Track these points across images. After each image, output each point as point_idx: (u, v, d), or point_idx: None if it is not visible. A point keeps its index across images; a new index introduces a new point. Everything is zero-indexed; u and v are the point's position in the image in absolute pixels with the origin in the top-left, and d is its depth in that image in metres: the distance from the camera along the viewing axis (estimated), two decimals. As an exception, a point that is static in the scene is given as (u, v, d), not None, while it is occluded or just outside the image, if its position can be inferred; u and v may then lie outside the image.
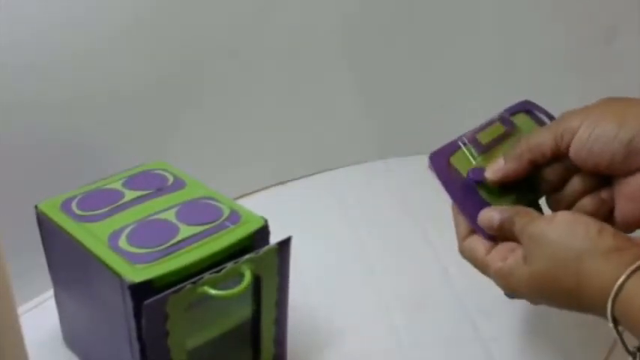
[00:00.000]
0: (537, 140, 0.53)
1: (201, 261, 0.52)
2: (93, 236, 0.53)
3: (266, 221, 0.55)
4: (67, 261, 0.57)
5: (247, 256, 0.52)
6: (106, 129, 0.70)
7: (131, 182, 0.60)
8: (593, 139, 0.50)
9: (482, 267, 0.53)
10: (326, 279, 0.73)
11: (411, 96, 0.91)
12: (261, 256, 0.53)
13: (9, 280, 0.39)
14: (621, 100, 0.52)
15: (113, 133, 0.71)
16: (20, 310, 0.65)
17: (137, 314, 0.49)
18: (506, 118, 0.59)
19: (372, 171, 0.93)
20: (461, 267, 0.55)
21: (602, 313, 0.44)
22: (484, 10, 0.87)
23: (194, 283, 0.49)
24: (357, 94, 0.90)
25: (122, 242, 0.52)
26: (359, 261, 0.76)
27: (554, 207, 0.55)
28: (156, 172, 0.62)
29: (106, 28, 0.67)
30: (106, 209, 0.57)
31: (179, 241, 0.53)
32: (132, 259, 0.51)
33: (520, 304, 0.65)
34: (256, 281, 0.54)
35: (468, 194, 0.55)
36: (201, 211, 0.56)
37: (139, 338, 0.50)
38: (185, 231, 0.54)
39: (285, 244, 0.54)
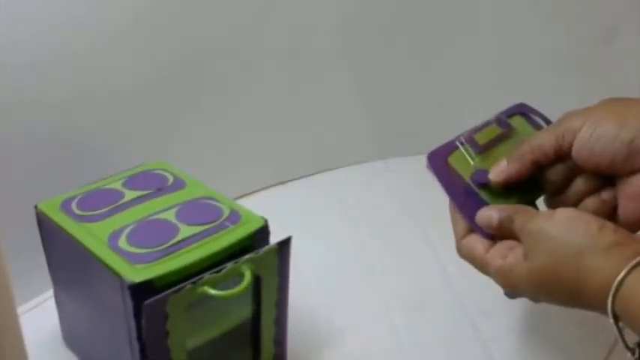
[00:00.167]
0: (539, 141, 0.53)
1: (201, 261, 0.52)
2: (93, 236, 0.53)
3: (266, 221, 0.55)
4: (67, 261, 0.57)
5: (247, 256, 0.52)
6: (106, 129, 0.70)
7: (131, 182, 0.60)
8: (594, 139, 0.50)
9: (482, 266, 0.53)
10: (326, 279, 0.73)
11: (411, 96, 0.91)
12: (261, 256, 0.53)
13: (9, 280, 0.39)
14: (622, 100, 0.52)
15: (113, 133, 0.71)
16: (20, 310, 0.65)
17: (137, 314, 0.49)
18: (503, 120, 0.59)
19: (372, 171, 0.93)
20: (461, 267, 0.55)
21: (602, 309, 0.44)
22: (484, 10, 0.87)
23: (194, 283, 0.49)
24: (357, 94, 0.90)
25: (122, 242, 0.52)
26: (359, 261, 0.76)
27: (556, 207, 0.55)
28: (156, 172, 0.62)
29: (106, 28, 0.67)
30: (106, 209, 0.57)
31: (179, 241, 0.53)
32: (132, 259, 0.51)
33: (520, 304, 0.65)
34: (256, 281, 0.54)
35: (467, 194, 0.55)
36: (201, 211, 0.56)
37: (139, 338, 0.50)
38: (185, 231, 0.54)
39: (285, 244, 0.54)
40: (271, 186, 0.88)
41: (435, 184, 0.56)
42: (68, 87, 0.66)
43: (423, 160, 0.57)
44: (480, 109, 0.60)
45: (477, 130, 0.58)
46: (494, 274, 0.51)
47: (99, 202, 0.57)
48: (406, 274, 0.74)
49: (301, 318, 0.65)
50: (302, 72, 0.84)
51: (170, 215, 0.56)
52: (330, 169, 0.92)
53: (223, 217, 0.56)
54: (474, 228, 0.54)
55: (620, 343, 0.45)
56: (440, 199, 0.56)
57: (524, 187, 0.55)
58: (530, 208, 0.52)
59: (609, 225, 0.47)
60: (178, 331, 0.51)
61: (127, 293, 0.49)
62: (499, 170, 0.55)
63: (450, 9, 0.87)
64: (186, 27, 0.74)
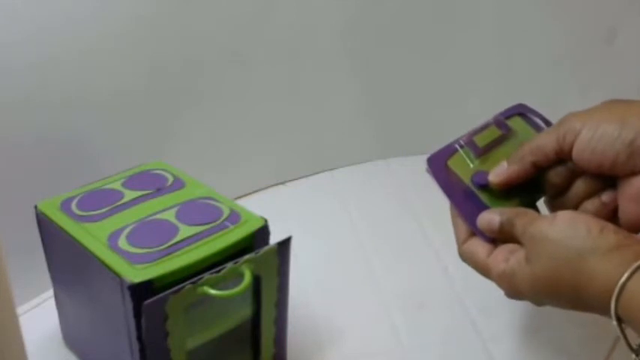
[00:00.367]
0: (540, 142, 0.53)
1: (201, 261, 0.52)
2: (92, 236, 0.53)
3: (266, 221, 0.55)
4: (66, 261, 0.57)
5: (247, 256, 0.52)
6: (105, 129, 0.70)
7: (131, 182, 0.60)
8: (595, 140, 0.50)
9: (484, 270, 0.53)
10: (326, 279, 0.73)
11: (411, 96, 0.91)
12: (261, 256, 0.53)
13: (9, 280, 0.39)
14: (623, 101, 0.52)
15: (113, 133, 0.71)
16: (20, 310, 0.66)
17: (137, 314, 0.49)
18: (502, 122, 0.59)
19: (372, 171, 0.93)
20: (461, 267, 0.55)
21: (605, 312, 0.44)
22: (484, 10, 0.87)
23: (194, 283, 0.49)
24: (357, 94, 0.90)
25: (122, 242, 0.52)
26: (359, 261, 0.76)
27: (559, 210, 0.55)
28: (155, 172, 0.62)
29: (106, 28, 0.67)
30: (106, 209, 0.57)
31: (179, 241, 0.53)
32: (132, 259, 0.51)
33: (520, 304, 0.65)
34: (256, 281, 0.54)
35: (468, 197, 0.55)
36: (201, 211, 0.56)
37: (139, 338, 0.50)
38: (185, 231, 0.54)
39: (285, 244, 0.54)
40: (271, 186, 0.88)
41: (435, 187, 0.56)
42: (68, 87, 0.66)
43: (423, 160, 0.57)
44: (480, 109, 0.60)
45: (476, 132, 0.58)
46: (497, 279, 0.51)
47: (99, 202, 0.57)
48: (406, 274, 0.74)
49: (301, 318, 0.65)
50: (302, 72, 0.84)
51: (170, 215, 0.56)
52: (330, 169, 0.92)
53: (223, 217, 0.55)
54: (474, 231, 0.54)
55: (621, 344, 0.45)
56: (440, 199, 0.56)
57: (525, 189, 0.55)
58: (531, 211, 0.52)
59: (610, 227, 0.47)
60: (178, 331, 0.51)
61: (127, 293, 0.49)
62: (499, 172, 0.55)
63: (450, 9, 0.87)
64: (186, 27, 0.74)
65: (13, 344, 0.41)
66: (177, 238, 0.53)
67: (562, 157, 0.53)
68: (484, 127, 0.58)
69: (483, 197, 0.55)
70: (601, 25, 0.87)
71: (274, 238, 0.55)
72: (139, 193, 0.59)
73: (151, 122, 0.74)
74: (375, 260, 0.76)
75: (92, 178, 0.61)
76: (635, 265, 0.43)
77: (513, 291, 0.51)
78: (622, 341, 0.45)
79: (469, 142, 0.57)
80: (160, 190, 0.59)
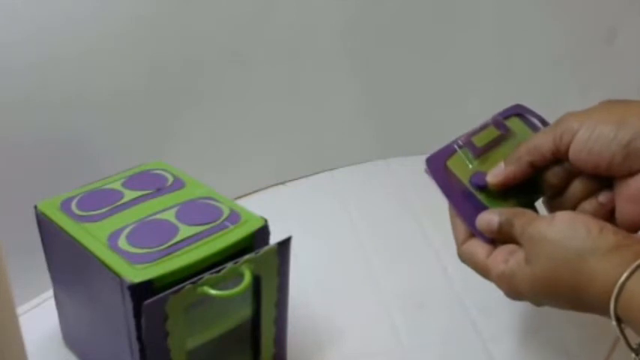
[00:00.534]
0: (536, 142, 0.53)
1: (201, 261, 0.52)
2: (92, 236, 0.53)
3: (266, 221, 0.55)
4: (66, 261, 0.57)
5: (247, 257, 0.52)
6: (105, 129, 0.70)
7: (131, 182, 0.60)
8: (592, 140, 0.50)
9: (483, 271, 0.53)
10: (326, 279, 0.73)
11: (411, 96, 0.91)
12: (261, 256, 0.53)
13: (9, 280, 0.39)
14: (621, 102, 0.52)
15: (113, 133, 0.71)
16: (20, 310, 0.66)
17: (137, 314, 0.49)
18: (500, 122, 0.59)
19: (372, 171, 0.93)
20: (461, 267, 0.55)
21: (604, 312, 0.44)
22: (484, 10, 0.87)
23: (194, 283, 0.49)
24: (357, 94, 0.90)
25: (122, 242, 0.52)
26: (359, 261, 0.76)
27: (557, 211, 0.55)
28: (155, 172, 0.62)
29: (106, 28, 0.67)
30: (106, 209, 0.57)
31: (179, 241, 0.53)
32: (132, 259, 0.51)
33: (520, 304, 0.65)
34: (256, 281, 0.54)
35: (467, 198, 0.55)
36: (201, 211, 0.56)
37: (139, 338, 0.50)
38: (185, 231, 0.54)
39: (285, 244, 0.54)
40: (271, 186, 0.88)
41: (434, 187, 0.56)
42: (68, 87, 0.66)
43: (423, 160, 0.57)
44: (480, 109, 0.60)
45: (475, 132, 0.58)
46: (496, 280, 0.51)
47: (98, 202, 0.57)
48: (406, 274, 0.74)
49: (301, 318, 0.65)
50: (302, 72, 0.84)
51: (170, 215, 0.56)
52: (330, 169, 0.92)
53: (223, 217, 0.55)
54: (474, 232, 0.54)
55: (621, 344, 0.45)
56: (439, 199, 0.56)
57: (523, 190, 0.55)
58: (529, 212, 0.52)
59: (610, 227, 0.47)
60: (178, 331, 0.51)
61: (127, 293, 0.49)
62: (497, 173, 0.55)
63: (450, 9, 0.87)
64: (186, 27, 0.74)
65: (13, 344, 0.41)
66: (177, 238, 0.53)
67: (559, 157, 0.53)
68: (482, 128, 0.58)
69: (482, 198, 0.55)
70: (601, 25, 0.87)
71: (274, 238, 0.55)
72: (139, 193, 0.59)
73: (151, 122, 0.74)
74: (375, 260, 0.76)
75: (92, 178, 0.61)
76: (635, 264, 0.43)
77: (513, 292, 0.51)
78: (622, 341, 0.45)
79: (468, 143, 0.57)
80: (160, 190, 0.59)
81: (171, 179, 0.61)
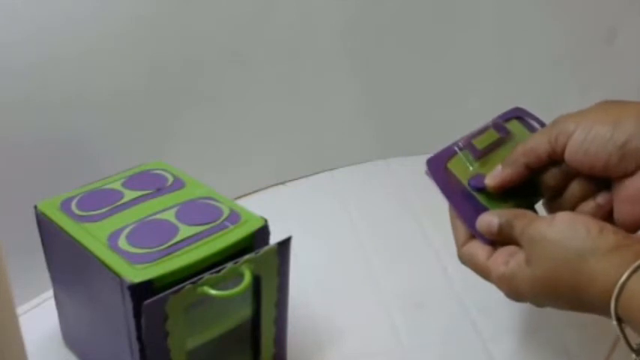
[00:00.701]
0: (532, 144, 0.54)
1: (201, 261, 0.52)
2: (92, 236, 0.53)
3: (266, 221, 0.55)
4: (66, 261, 0.57)
5: (247, 257, 0.52)
6: (105, 129, 0.70)
7: (131, 182, 0.60)
8: (588, 141, 0.50)
9: (484, 273, 0.53)
10: (326, 279, 0.73)
11: (411, 96, 0.91)
12: (261, 256, 0.53)
13: (9, 280, 0.39)
14: (616, 103, 0.52)
15: (113, 133, 0.71)
16: (20, 310, 0.66)
17: (137, 314, 0.49)
18: (500, 125, 0.59)
19: (372, 171, 0.93)
20: (461, 267, 0.55)
21: (605, 312, 0.45)
22: (484, 10, 0.87)
23: (194, 283, 0.49)
24: (357, 94, 0.90)
25: (122, 242, 0.52)
26: (359, 261, 0.76)
27: (554, 211, 0.55)
28: (155, 172, 0.62)
29: (106, 28, 0.67)
30: (106, 209, 0.57)
31: (179, 241, 0.53)
32: (131, 259, 0.51)
33: (520, 304, 0.65)
34: (256, 281, 0.54)
35: (467, 200, 0.55)
36: (201, 211, 0.56)
37: (139, 338, 0.50)
38: (185, 231, 0.54)
39: (285, 244, 0.54)
40: (271, 186, 0.88)
41: (435, 189, 0.56)
42: (68, 87, 0.66)
43: (423, 160, 0.57)
44: (480, 109, 0.60)
45: (475, 135, 0.58)
46: (497, 282, 0.51)
47: (98, 202, 0.57)
48: (406, 274, 0.74)
49: (301, 318, 0.65)
50: (302, 72, 0.84)
51: (170, 215, 0.56)
52: (330, 169, 0.92)
53: (223, 217, 0.55)
54: (474, 234, 0.54)
55: (621, 344, 0.45)
56: (439, 199, 0.56)
57: (523, 192, 0.55)
58: (529, 212, 0.52)
59: (609, 227, 0.47)
60: (178, 331, 0.51)
61: (127, 293, 0.49)
62: (494, 175, 0.55)
63: (450, 9, 0.87)
64: (186, 27, 0.74)
65: (13, 344, 0.41)
66: (177, 238, 0.53)
67: (554, 158, 0.53)
68: (483, 130, 0.59)
69: (482, 200, 0.56)
70: (601, 25, 0.87)
71: (274, 238, 0.55)
72: (139, 193, 0.59)
73: (151, 122, 0.74)
74: (375, 260, 0.76)
75: (92, 178, 0.61)
76: (635, 265, 0.43)
77: (514, 293, 0.51)
78: (622, 341, 0.45)
79: (468, 145, 0.58)
80: (160, 190, 0.59)
81: (171, 179, 0.61)
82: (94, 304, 0.56)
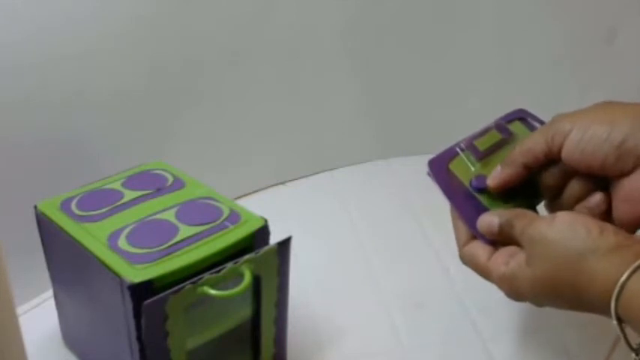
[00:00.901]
0: (529, 144, 0.54)
1: (201, 261, 0.52)
2: (92, 236, 0.53)
3: (266, 221, 0.55)
4: (66, 261, 0.57)
5: (247, 257, 0.52)
6: (105, 129, 0.70)
7: (131, 182, 0.60)
8: (585, 141, 0.50)
9: (485, 273, 0.53)
10: (326, 279, 0.73)
11: (411, 96, 0.91)
12: (261, 256, 0.53)
13: (9, 280, 0.39)
14: (613, 103, 0.52)
15: (113, 133, 0.71)
16: (20, 310, 0.66)
17: (137, 314, 0.49)
18: (503, 126, 0.59)
19: (373, 171, 0.93)
20: (461, 267, 0.55)
21: (605, 312, 0.45)
22: (484, 10, 0.87)
23: (194, 283, 0.49)
24: (357, 94, 0.90)
25: (122, 242, 0.52)
26: (359, 261, 0.76)
27: (555, 212, 0.55)
28: (155, 172, 0.62)
29: (106, 28, 0.67)
30: (106, 209, 0.57)
31: (179, 241, 0.53)
32: (131, 259, 0.51)
33: (520, 304, 0.65)
34: (256, 281, 0.54)
35: (468, 200, 0.56)
36: (201, 211, 0.56)
37: (139, 338, 0.50)
38: (185, 231, 0.54)
39: (285, 244, 0.54)
40: (271, 186, 0.88)
41: (436, 190, 0.56)
42: (68, 87, 0.66)
43: (424, 160, 0.57)
44: (481, 109, 0.60)
45: (477, 136, 0.58)
46: (498, 282, 0.51)
47: (98, 202, 0.57)
48: (406, 274, 0.74)
49: (301, 318, 0.65)
50: (302, 72, 0.84)
51: (170, 215, 0.56)
52: (330, 169, 0.92)
53: (223, 217, 0.55)
54: (475, 234, 0.54)
55: (621, 344, 0.45)
56: (440, 200, 0.56)
57: (524, 192, 0.55)
58: (530, 212, 0.52)
59: (610, 227, 0.47)
60: (178, 331, 0.51)
61: (127, 293, 0.49)
62: (494, 175, 0.55)
63: (450, 9, 0.87)
64: (186, 27, 0.74)
65: (13, 344, 0.41)
66: (177, 238, 0.53)
67: (551, 158, 0.53)
68: (485, 132, 0.59)
69: (484, 200, 0.56)
70: (601, 25, 0.87)
71: (274, 238, 0.55)
72: (139, 193, 0.59)
73: (151, 122, 0.74)
74: (375, 260, 0.76)
75: (92, 178, 0.61)
76: (635, 264, 0.43)
77: (514, 293, 0.51)
78: (622, 341, 0.45)
79: (470, 146, 0.58)
80: (160, 190, 0.59)
81: (171, 179, 0.61)
82: (94, 304, 0.56)
